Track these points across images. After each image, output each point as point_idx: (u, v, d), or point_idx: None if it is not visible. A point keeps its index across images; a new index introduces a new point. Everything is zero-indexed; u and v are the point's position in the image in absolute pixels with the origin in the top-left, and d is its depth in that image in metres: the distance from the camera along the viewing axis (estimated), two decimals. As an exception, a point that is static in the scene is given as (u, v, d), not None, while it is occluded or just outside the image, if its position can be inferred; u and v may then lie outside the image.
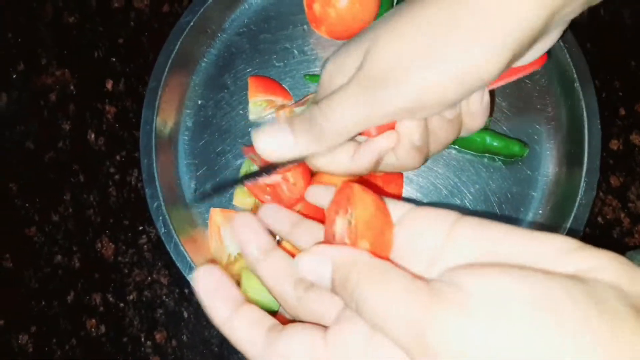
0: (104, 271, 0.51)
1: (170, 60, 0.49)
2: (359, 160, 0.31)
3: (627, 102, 0.53)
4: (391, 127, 0.31)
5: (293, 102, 0.51)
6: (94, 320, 0.51)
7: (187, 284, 0.51)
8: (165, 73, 0.49)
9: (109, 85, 0.55)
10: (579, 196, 0.45)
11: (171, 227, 0.46)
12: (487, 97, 0.31)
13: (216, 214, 0.48)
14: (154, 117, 0.48)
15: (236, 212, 0.48)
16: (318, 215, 0.45)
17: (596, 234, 0.50)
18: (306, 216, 0.45)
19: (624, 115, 0.53)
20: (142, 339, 0.50)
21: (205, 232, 0.49)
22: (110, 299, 0.51)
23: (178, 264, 0.46)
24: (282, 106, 0.50)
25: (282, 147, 0.30)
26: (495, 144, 0.48)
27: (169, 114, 0.50)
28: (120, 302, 0.51)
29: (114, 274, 0.51)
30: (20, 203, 0.53)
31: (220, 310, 0.26)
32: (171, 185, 0.49)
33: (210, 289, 0.26)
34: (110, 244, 0.52)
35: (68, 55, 0.56)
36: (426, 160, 0.33)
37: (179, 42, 0.49)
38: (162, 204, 0.46)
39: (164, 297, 0.51)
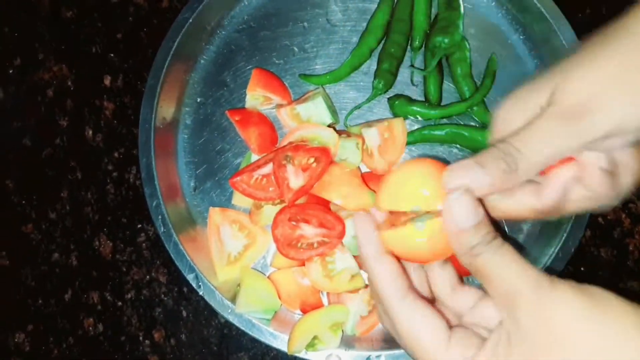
0: (102, 269, 0.51)
1: (169, 57, 0.49)
2: (548, 196, 0.31)
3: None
4: (570, 160, 0.31)
5: (292, 99, 0.51)
6: (91, 319, 0.50)
7: (186, 283, 0.50)
8: (164, 70, 0.48)
9: (107, 81, 0.54)
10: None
11: (170, 226, 0.46)
12: None
13: (215, 214, 0.48)
14: (153, 115, 0.47)
15: (235, 212, 0.48)
16: (320, 202, 0.45)
17: (597, 234, 0.50)
18: (310, 202, 0.45)
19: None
20: (141, 338, 0.50)
21: (204, 231, 0.48)
22: (108, 297, 0.50)
23: (177, 263, 0.45)
24: (282, 105, 0.49)
25: (474, 181, 0.30)
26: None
27: (168, 112, 0.50)
28: (119, 301, 0.50)
29: (112, 272, 0.51)
30: (17, 200, 0.53)
31: (370, 247, 0.31)
32: (170, 184, 0.49)
33: (367, 228, 0.31)
34: (108, 242, 0.51)
35: (66, 51, 0.55)
36: (622, 194, 0.32)
37: (177, 39, 0.49)
38: (161, 202, 0.46)
39: (163, 295, 0.50)
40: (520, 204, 0.32)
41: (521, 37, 0.51)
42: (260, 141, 0.48)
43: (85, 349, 0.50)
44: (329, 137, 0.45)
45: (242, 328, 0.44)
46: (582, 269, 0.49)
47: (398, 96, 0.50)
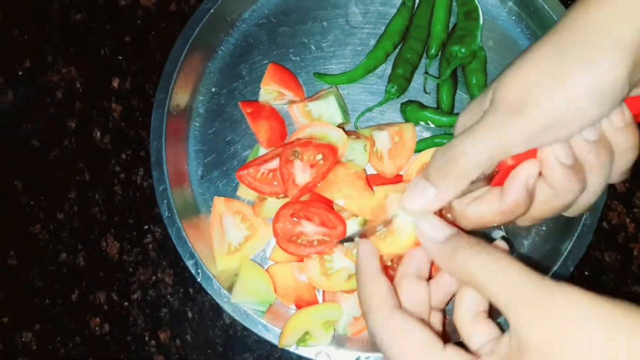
0: (109, 270, 0.51)
1: (187, 46, 0.49)
2: (509, 197, 0.31)
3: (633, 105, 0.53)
4: (530, 156, 0.30)
5: (305, 97, 0.51)
6: (98, 319, 0.51)
7: (192, 284, 0.51)
8: (182, 58, 0.49)
9: (116, 83, 0.55)
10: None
11: (175, 211, 0.46)
12: (628, 112, 0.31)
13: (220, 203, 0.48)
14: (167, 101, 0.48)
15: (239, 202, 0.49)
16: (324, 201, 0.45)
17: (601, 239, 0.50)
18: (313, 200, 0.46)
19: (630, 121, 0.53)
20: (146, 338, 0.50)
21: (207, 219, 0.49)
22: (115, 297, 0.51)
23: (178, 249, 0.46)
24: (293, 101, 0.50)
25: (428, 201, 0.31)
26: None
27: (182, 99, 0.50)
28: (125, 301, 0.51)
29: (118, 272, 0.51)
30: (25, 201, 0.53)
31: (369, 267, 0.32)
32: (178, 170, 0.49)
33: (369, 255, 0.33)
34: (115, 242, 0.52)
35: (75, 53, 0.56)
36: (596, 194, 0.32)
37: (197, 28, 0.49)
38: (168, 187, 0.46)
39: (169, 296, 0.51)
40: (486, 209, 0.32)
41: None
42: (270, 135, 0.48)
43: (91, 348, 0.50)
44: (337, 137, 0.45)
45: (237, 318, 0.44)
46: (586, 273, 0.50)
47: (410, 102, 0.50)
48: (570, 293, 0.25)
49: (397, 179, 0.48)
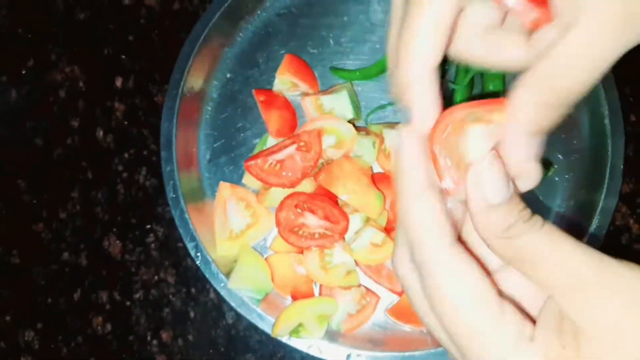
0: (111, 269, 0.51)
1: (206, 30, 0.49)
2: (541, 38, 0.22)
3: (638, 108, 0.52)
4: None
5: (319, 90, 0.51)
6: (100, 318, 0.51)
7: (194, 283, 0.51)
8: (200, 41, 0.49)
9: (119, 82, 0.55)
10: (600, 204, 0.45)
11: (180, 192, 0.46)
12: None
13: (225, 188, 0.48)
14: (182, 82, 0.48)
15: (244, 190, 0.49)
16: (328, 195, 0.46)
17: (605, 240, 0.50)
18: (319, 193, 0.46)
19: (634, 122, 0.52)
20: (149, 338, 0.50)
21: (212, 204, 0.49)
22: (117, 297, 0.51)
23: (180, 230, 0.46)
24: (307, 93, 0.50)
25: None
26: None
27: (197, 82, 0.50)
28: (127, 300, 0.51)
29: (121, 272, 0.51)
30: (28, 199, 0.53)
31: (415, 178, 0.23)
32: (187, 153, 0.49)
33: (414, 152, 0.23)
34: (118, 241, 0.52)
35: (78, 52, 0.56)
36: None
37: (218, 13, 0.49)
38: (175, 168, 0.47)
39: (171, 296, 0.51)
40: (505, 57, 0.25)
41: None
42: (280, 125, 0.49)
43: (93, 347, 0.50)
44: (346, 131, 0.46)
45: (232, 304, 0.44)
46: (590, 274, 0.49)
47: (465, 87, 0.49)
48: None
49: None
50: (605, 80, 0.47)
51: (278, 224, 0.45)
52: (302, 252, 0.46)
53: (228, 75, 0.52)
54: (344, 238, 0.45)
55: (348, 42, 0.52)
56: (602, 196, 0.46)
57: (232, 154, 0.51)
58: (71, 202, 0.53)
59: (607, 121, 0.46)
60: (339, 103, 0.48)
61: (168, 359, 0.49)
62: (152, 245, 0.51)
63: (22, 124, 0.55)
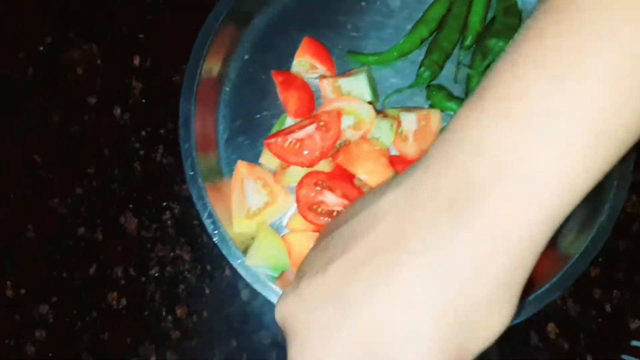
0: (127, 245, 0.52)
1: (225, 12, 0.49)
2: None
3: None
4: None
5: (336, 74, 0.52)
6: (115, 294, 0.51)
7: (210, 261, 0.51)
8: (219, 23, 0.49)
9: (137, 61, 0.55)
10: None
11: (198, 170, 0.46)
12: None
13: (243, 167, 0.49)
14: (201, 62, 0.48)
15: (262, 169, 0.49)
16: (346, 175, 0.46)
17: (616, 227, 0.51)
18: (337, 173, 0.46)
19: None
20: (163, 314, 0.50)
21: (229, 183, 0.49)
22: (132, 272, 0.51)
23: (198, 207, 0.46)
24: (324, 76, 0.50)
25: None
26: None
27: (216, 64, 0.51)
28: (142, 276, 0.51)
29: (136, 248, 0.52)
30: (44, 175, 0.53)
31: None
32: (205, 133, 0.50)
33: None
34: (134, 218, 0.52)
35: (96, 31, 0.56)
36: None
37: None
38: (193, 146, 0.47)
39: (186, 272, 0.51)
40: None
41: None
42: (298, 105, 0.49)
43: (108, 322, 0.50)
44: (366, 112, 0.46)
45: (248, 280, 0.45)
46: (600, 260, 0.50)
47: (440, 88, 0.50)
48: None
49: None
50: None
51: (298, 200, 0.45)
52: (318, 231, 0.46)
53: (246, 57, 0.53)
54: None
55: (366, 28, 0.53)
56: (614, 185, 0.47)
57: (250, 134, 0.51)
58: (87, 178, 0.53)
59: None
60: (357, 86, 0.48)
61: (182, 334, 0.50)
62: (169, 222, 0.52)
63: (39, 100, 0.55)
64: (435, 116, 0.48)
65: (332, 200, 0.45)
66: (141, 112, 0.54)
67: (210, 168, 0.49)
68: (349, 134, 0.48)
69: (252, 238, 0.47)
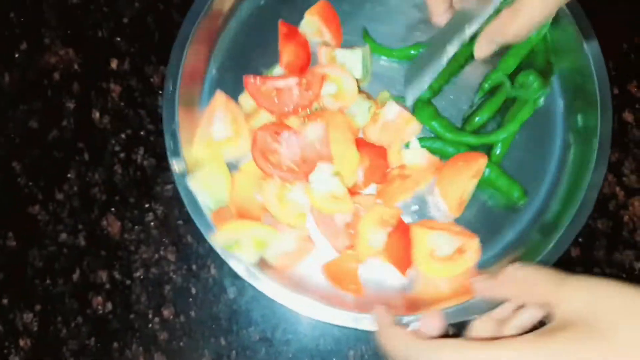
0: (110, 249, 0.51)
1: None
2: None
3: (620, 81, 0.55)
4: None
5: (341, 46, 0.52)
6: (100, 298, 0.50)
7: (195, 260, 0.51)
8: None
9: (114, 64, 0.55)
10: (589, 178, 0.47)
11: (177, 93, 0.48)
12: None
13: (220, 97, 0.49)
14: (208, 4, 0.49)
15: (237, 107, 0.50)
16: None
17: (594, 207, 0.52)
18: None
19: (617, 94, 0.55)
20: (150, 316, 0.50)
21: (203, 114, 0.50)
22: (117, 276, 0.51)
23: (164, 125, 0.47)
24: (327, 43, 0.51)
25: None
26: (497, 181, 0.49)
27: (225, 4, 0.52)
28: (127, 279, 0.51)
29: (120, 251, 0.51)
30: (23, 182, 0.53)
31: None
32: (195, 65, 0.51)
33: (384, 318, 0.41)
34: (117, 221, 0.52)
35: (72, 35, 0.56)
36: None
37: None
38: (180, 71, 0.48)
39: (172, 273, 0.51)
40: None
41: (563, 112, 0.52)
42: (292, 59, 0.50)
43: (94, 327, 0.50)
44: (349, 85, 0.47)
45: (183, 199, 0.46)
46: (580, 240, 0.51)
47: (428, 104, 0.50)
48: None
49: (378, 150, 0.49)
50: (593, 52, 0.49)
51: (254, 142, 0.46)
52: (266, 179, 0.47)
53: (262, 2, 0.54)
54: (307, 180, 0.46)
55: (384, 11, 0.53)
56: (592, 166, 0.48)
57: (238, 74, 0.51)
58: (68, 184, 0.53)
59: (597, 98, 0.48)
60: (351, 60, 0.49)
61: (170, 335, 0.49)
62: (152, 223, 0.52)
63: (16, 107, 0.54)
64: (412, 125, 0.49)
65: (286, 153, 0.46)
66: (120, 115, 0.54)
67: (189, 96, 0.50)
68: (327, 102, 0.48)
69: (202, 164, 0.48)
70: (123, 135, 0.54)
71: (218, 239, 0.45)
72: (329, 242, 0.48)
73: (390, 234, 0.46)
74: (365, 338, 0.49)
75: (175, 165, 0.47)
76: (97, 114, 0.54)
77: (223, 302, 0.50)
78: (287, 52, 0.50)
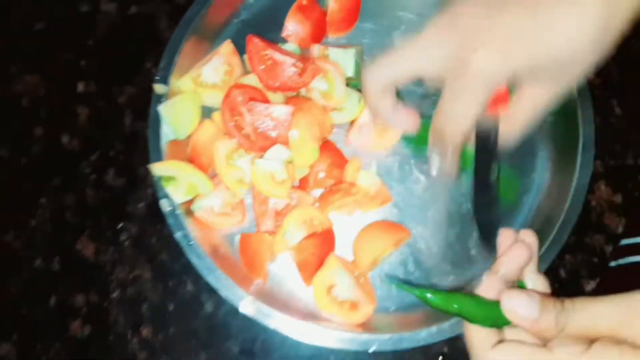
0: (86, 271, 0.51)
1: None
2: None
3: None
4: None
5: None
6: (78, 322, 0.50)
7: (171, 277, 0.51)
8: None
9: (81, 87, 0.55)
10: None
11: (184, 34, 0.49)
12: None
13: (227, 45, 0.51)
14: None
15: (239, 60, 0.51)
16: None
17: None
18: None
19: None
20: (129, 336, 0.49)
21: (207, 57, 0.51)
22: (94, 298, 0.50)
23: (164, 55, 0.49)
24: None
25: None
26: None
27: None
28: (104, 301, 0.50)
29: (95, 273, 0.51)
30: (-5, 211, 0.53)
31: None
32: (210, 19, 0.52)
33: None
34: (91, 243, 0.52)
35: (38, 61, 0.56)
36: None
37: None
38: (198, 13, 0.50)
39: (148, 292, 0.50)
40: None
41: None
42: (304, 36, 0.52)
43: (72, 352, 0.49)
44: (339, 88, 0.48)
45: (149, 124, 0.48)
46: (554, 229, 0.51)
47: (404, 282, 0.47)
48: None
49: (340, 160, 0.49)
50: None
51: (227, 95, 0.47)
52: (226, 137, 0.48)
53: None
54: (261, 155, 0.47)
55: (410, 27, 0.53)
56: (577, 171, 0.48)
57: (244, 34, 0.51)
58: (40, 209, 0.52)
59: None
60: (343, 58, 0.50)
61: (150, 354, 0.49)
62: (126, 243, 0.51)
63: (-15, 136, 0.54)
64: (390, 133, 0.49)
65: (248, 119, 0.47)
66: (89, 137, 0.54)
67: (198, 43, 0.51)
68: (315, 95, 0.49)
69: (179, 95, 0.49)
70: (93, 157, 0.54)
71: (158, 169, 0.46)
72: (255, 220, 0.48)
73: (309, 236, 0.46)
74: (346, 343, 0.48)
75: (158, 89, 0.48)
76: (66, 138, 0.54)
77: (201, 317, 0.50)
78: (301, 26, 0.51)
